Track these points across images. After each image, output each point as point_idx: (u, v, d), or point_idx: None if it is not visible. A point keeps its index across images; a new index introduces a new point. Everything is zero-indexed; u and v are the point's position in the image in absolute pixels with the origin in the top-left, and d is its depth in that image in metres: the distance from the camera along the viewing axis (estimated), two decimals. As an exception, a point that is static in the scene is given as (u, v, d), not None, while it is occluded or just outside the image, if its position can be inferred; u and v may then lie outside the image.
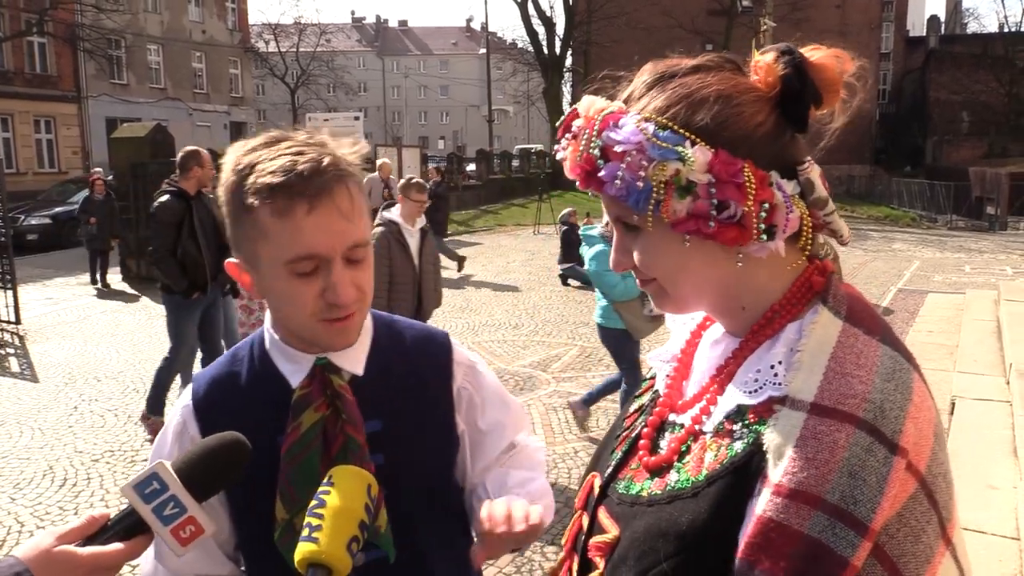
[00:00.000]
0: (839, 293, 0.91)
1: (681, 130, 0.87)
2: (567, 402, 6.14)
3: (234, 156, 1.21)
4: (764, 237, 0.87)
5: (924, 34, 45.03)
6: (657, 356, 1.11)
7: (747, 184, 0.86)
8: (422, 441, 1.34)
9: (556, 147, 0.97)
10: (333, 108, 46.70)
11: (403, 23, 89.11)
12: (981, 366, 6.45)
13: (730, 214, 0.86)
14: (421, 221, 5.57)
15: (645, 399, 1.10)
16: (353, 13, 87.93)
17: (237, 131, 41.31)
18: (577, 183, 0.94)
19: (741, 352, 0.94)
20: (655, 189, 0.87)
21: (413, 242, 5.46)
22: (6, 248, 10.35)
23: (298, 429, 1.24)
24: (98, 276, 12.99)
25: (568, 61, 35.99)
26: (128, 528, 0.98)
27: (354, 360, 1.31)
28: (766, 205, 0.87)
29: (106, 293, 12.41)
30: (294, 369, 1.29)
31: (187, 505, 0.97)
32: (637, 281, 0.99)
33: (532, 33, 33.64)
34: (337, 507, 0.93)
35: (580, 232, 5.82)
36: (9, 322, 9.96)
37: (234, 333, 6.54)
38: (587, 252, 5.49)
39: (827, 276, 0.94)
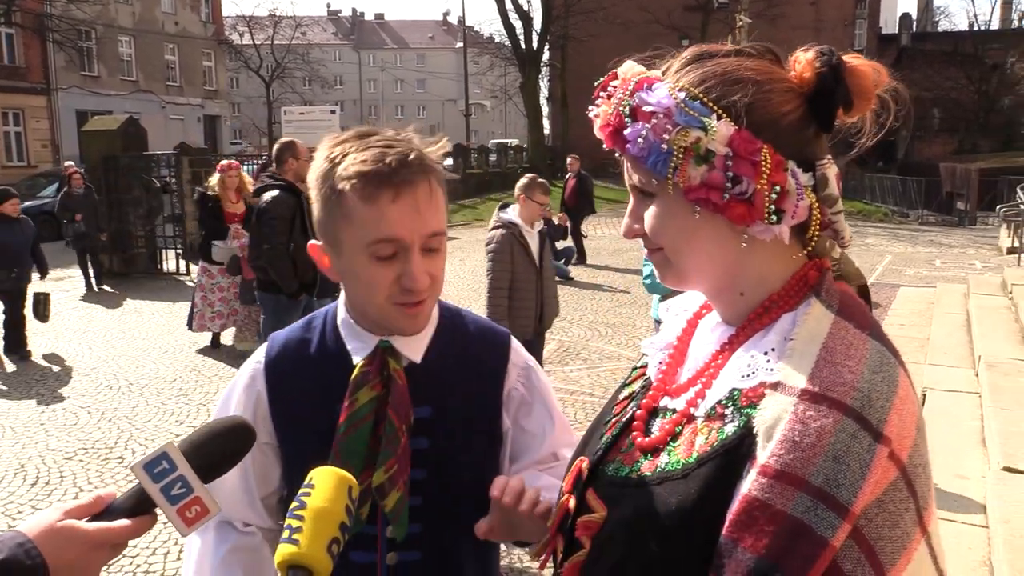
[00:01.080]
0: (832, 288, 0.94)
1: (710, 104, 0.91)
2: None
3: (327, 146, 1.32)
4: (772, 219, 0.90)
5: (896, 31, 45.51)
6: (651, 344, 1.13)
7: (763, 163, 0.89)
8: (468, 433, 1.40)
9: (591, 107, 1.01)
10: (309, 101, 46.38)
11: (379, 16, 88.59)
12: (951, 358, 6.56)
13: (742, 190, 0.90)
14: (540, 223, 5.25)
15: (636, 386, 1.12)
16: (329, 6, 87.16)
17: (211, 124, 40.91)
18: (604, 143, 0.98)
19: (737, 339, 0.97)
20: (675, 153, 0.90)
21: (534, 245, 5.10)
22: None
23: (354, 404, 1.32)
24: (92, 278, 12.13)
25: (545, 56, 35.95)
26: (135, 506, 1.00)
27: (415, 347, 1.38)
28: (778, 188, 0.90)
29: (78, 288, 12.22)
30: (359, 347, 1.37)
31: (194, 486, 0.99)
32: (645, 252, 1.02)
33: (509, 27, 33.57)
34: (317, 509, 0.94)
35: None
36: (-22, 318, 9.80)
37: None
38: None
39: (822, 272, 0.96)
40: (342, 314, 1.41)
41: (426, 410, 1.36)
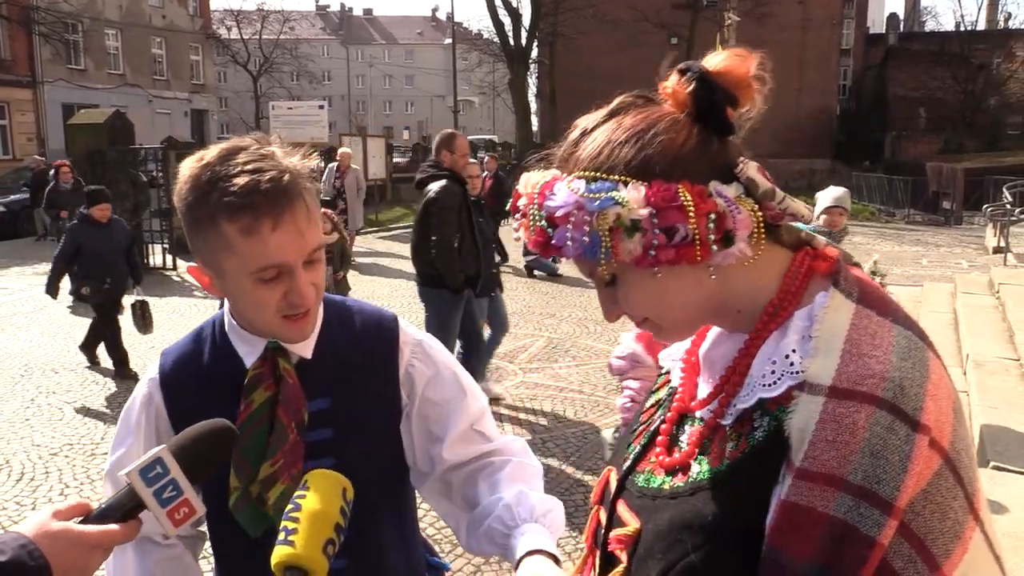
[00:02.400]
0: (849, 276, 0.93)
1: (611, 176, 0.90)
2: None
3: (191, 170, 1.28)
4: (717, 247, 0.89)
5: (884, 31, 45.74)
6: (668, 355, 1.13)
7: (685, 203, 0.88)
8: (368, 416, 1.45)
9: (514, 227, 1.00)
10: (297, 96, 46.11)
11: (368, 12, 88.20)
12: (938, 357, 6.58)
13: (682, 236, 0.88)
14: None
15: (662, 394, 1.11)
16: (317, 1, 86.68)
17: (198, 119, 40.63)
18: (539, 254, 0.97)
19: (753, 344, 0.95)
20: (604, 238, 0.89)
21: None
22: (-41, 237, 10.09)
23: (250, 406, 1.36)
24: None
25: (534, 52, 35.89)
26: (128, 510, 1.02)
27: (304, 345, 1.41)
28: (712, 216, 0.88)
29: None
30: (249, 351, 1.40)
31: (184, 488, 1.02)
32: (633, 323, 1.01)
33: (498, 24, 33.47)
34: (312, 511, 0.95)
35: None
36: (-38, 312, 9.73)
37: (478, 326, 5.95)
38: None
39: (834, 260, 0.95)
40: (228, 321, 1.43)
41: (324, 402, 1.41)
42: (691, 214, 0.87)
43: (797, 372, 0.86)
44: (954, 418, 0.83)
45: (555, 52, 34.10)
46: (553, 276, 12.46)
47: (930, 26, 52.47)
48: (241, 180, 1.22)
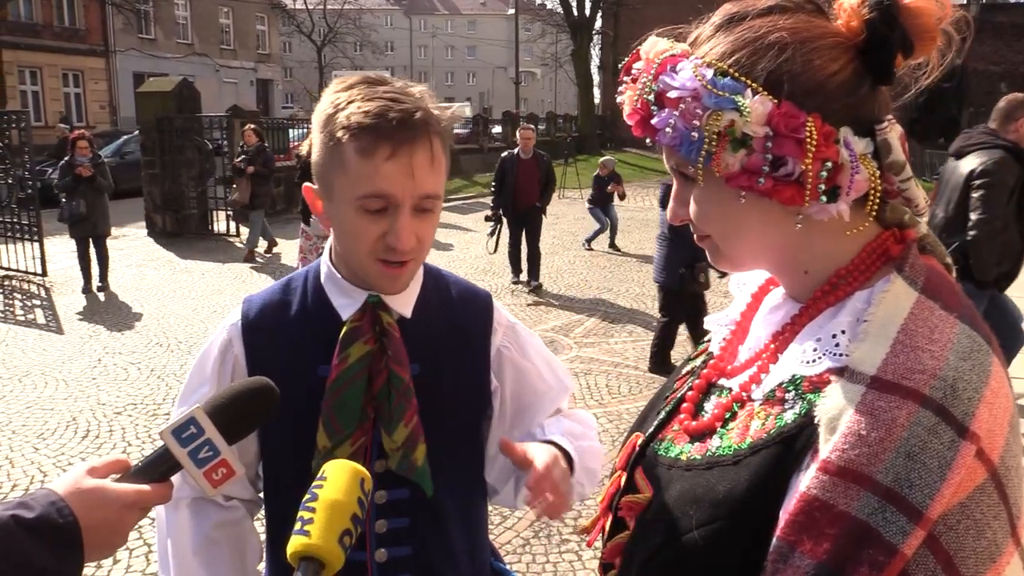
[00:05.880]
0: (918, 264, 0.83)
1: (742, 78, 0.80)
2: None
3: (334, 89, 1.27)
4: (824, 199, 0.80)
5: (965, 2, 43.81)
6: (716, 319, 1.06)
7: (808, 139, 0.78)
8: (455, 390, 1.39)
9: (619, 91, 0.91)
10: (360, 67, 46.44)
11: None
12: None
13: (788, 171, 0.79)
14: None
15: (698, 362, 1.05)
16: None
17: (263, 88, 41.27)
18: (632, 128, 0.89)
19: (801, 318, 0.87)
20: (707, 140, 0.80)
21: None
22: (33, 200, 10.45)
23: (345, 361, 1.29)
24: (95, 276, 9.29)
25: (598, 23, 35.40)
26: (165, 470, 1.00)
27: (404, 302, 1.35)
28: (828, 164, 0.79)
29: (131, 247, 12.46)
30: (346, 303, 1.33)
31: (220, 448, 1.00)
32: (695, 236, 0.93)
33: (562, -6, 33.09)
34: (329, 501, 0.92)
35: None
36: (35, 274, 10.09)
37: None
38: None
39: (906, 244, 0.85)
40: (326, 270, 1.37)
41: (415, 367, 1.34)
42: (809, 153, 0.78)
43: (840, 355, 0.78)
44: (1009, 432, 0.74)
45: (619, 23, 33.57)
46: (615, 251, 12.32)
47: (1016, -4, 50.04)
48: (374, 104, 1.20)
